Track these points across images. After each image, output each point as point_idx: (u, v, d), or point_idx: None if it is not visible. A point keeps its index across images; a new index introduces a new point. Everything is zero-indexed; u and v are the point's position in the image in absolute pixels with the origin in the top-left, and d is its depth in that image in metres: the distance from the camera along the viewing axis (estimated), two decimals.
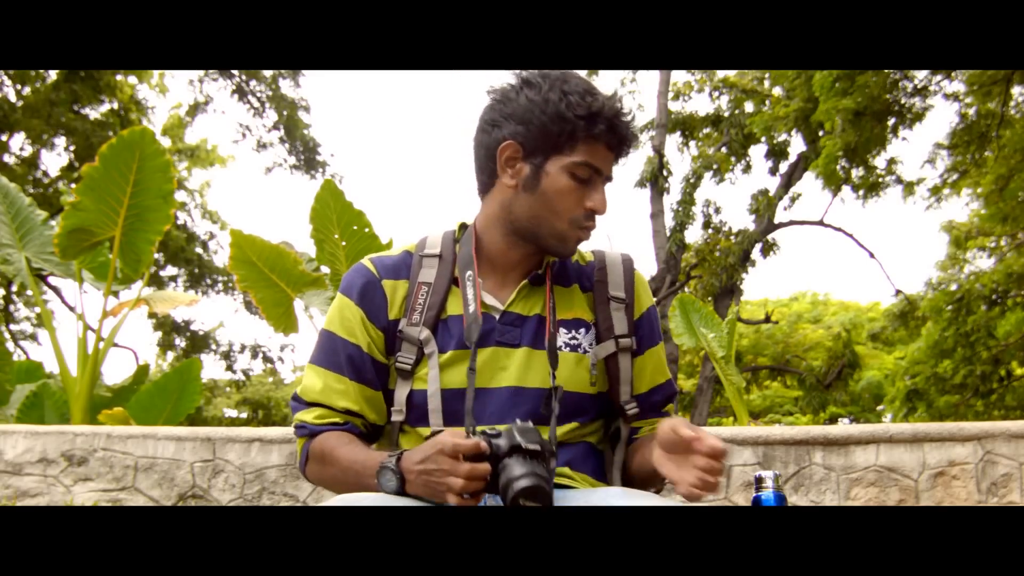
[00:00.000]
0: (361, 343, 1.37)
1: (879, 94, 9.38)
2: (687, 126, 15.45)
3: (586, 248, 1.47)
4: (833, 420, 17.17)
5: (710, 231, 14.28)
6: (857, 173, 11.57)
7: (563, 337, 1.37)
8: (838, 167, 10.22)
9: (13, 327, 15.12)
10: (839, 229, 14.15)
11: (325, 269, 5.76)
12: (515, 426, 1.16)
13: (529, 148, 1.32)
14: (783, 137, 13.97)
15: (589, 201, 1.32)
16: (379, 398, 1.39)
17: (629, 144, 1.35)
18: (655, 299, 1.82)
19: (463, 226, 1.44)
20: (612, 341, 1.39)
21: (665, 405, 1.48)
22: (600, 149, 1.32)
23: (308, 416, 1.38)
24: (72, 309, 11.51)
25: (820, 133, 11.95)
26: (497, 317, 1.37)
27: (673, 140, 15.40)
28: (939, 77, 9.85)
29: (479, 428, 1.20)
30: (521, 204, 1.34)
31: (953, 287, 12.09)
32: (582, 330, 1.39)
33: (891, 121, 10.16)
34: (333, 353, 1.39)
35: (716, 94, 15.51)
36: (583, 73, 1.37)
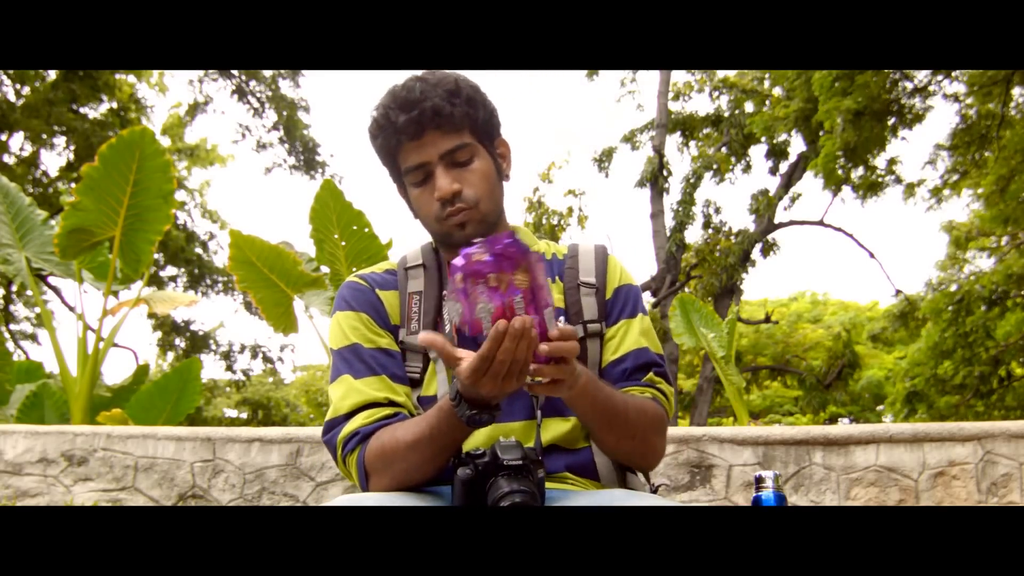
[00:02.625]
0: (382, 344, 1.35)
1: (879, 94, 9.38)
2: (687, 126, 15.46)
3: (563, 243, 1.49)
4: (833, 420, 17.18)
5: (710, 231, 14.29)
6: (857, 173, 11.58)
7: None
8: (838, 167, 10.22)
9: (13, 327, 15.12)
10: (839, 229, 14.17)
11: (325, 269, 5.76)
12: (497, 444, 1.18)
13: (394, 180, 1.42)
14: (783, 137, 13.99)
15: (435, 193, 1.32)
16: (410, 395, 1.35)
17: (428, 118, 1.29)
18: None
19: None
20: (580, 326, 1.37)
21: (644, 373, 1.37)
22: (407, 147, 1.33)
23: (354, 424, 1.28)
24: (72, 309, 11.51)
25: (820, 133, 11.95)
26: None
27: (673, 140, 15.43)
28: (939, 77, 9.86)
29: (464, 449, 1.20)
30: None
31: (953, 288, 12.09)
32: (561, 319, 1.37)
33: (891, 121, 10.17)
34: (356, 361, 1.33)
35: (716, 94, 15.53)
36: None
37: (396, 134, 1.31)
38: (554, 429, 1.33)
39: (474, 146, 1.34)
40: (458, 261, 1.04)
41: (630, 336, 1.38)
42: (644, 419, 1.31)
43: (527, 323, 1.04)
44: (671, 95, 14.63)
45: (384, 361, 1.33)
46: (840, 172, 10.51)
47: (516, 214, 12.28)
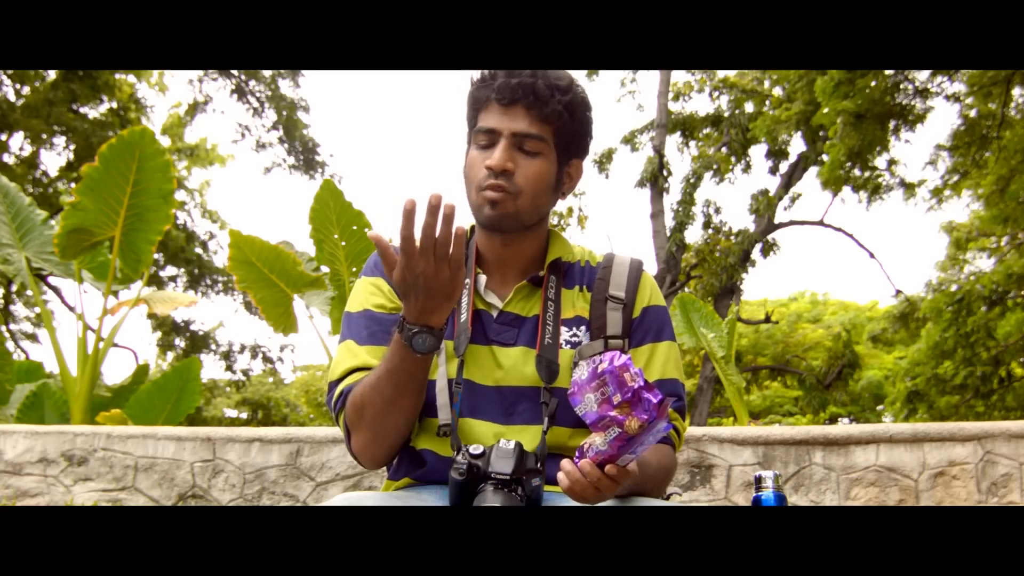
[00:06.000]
0: (387, 307, 1.37)
1: (881, 96, 9.37)
2: (687, 126, 15.44)
3: (600, 252, 1.47)
4: (833, 420, 17.16)
5: (710, 231, 14.28)
6: (859, 175, 11.56)
7: (564, 335, 1.36)
8: (841, 171, 10.22)
9: (13, 327, 15.11)
10: (839, 229, 14.17)
11: (325, 269, 5.76)
12: (496, 448, 1.18)
13: (468, 134, 1.39)
14: (784, 137, 13.98)
15: (487, 161, 1.32)
16: None
17: (525, 91, 1.30)
18: None
19: (475, 228, 1.44)
20: (601, 341, 1.35)
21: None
22: (493, 109, 1.33)
23: (343, 386, 1.32)
24: (72, 309, 11.50)
25: (820, 134, 11.94)
26: (494, 315, 1.36)
27: (673, 140, 15.41)
28: (940, 78, 9.85)
29: (466, 446, 1.21)
30: None
31: (953, 288, 12.08)
32: (582, 327, 1.37)
33: (892, 123, 10.16)
34: (363, 327, 1.35)
35: (716, 94, 15.51)
36: (581, 73, 1.37)
37: (489, 91, 1.32)
38: (561, 438, 1.32)
39: (547, 146, 1.33)
40: (619, 360, 1.09)
41: (655, 364, 1.37)
42: (662, 476, 1.32)
43: (441, 199, 1.10)
44: (671, 95, 14.62)
45: (387, 325, 1.33)
46: (843, 175, 10.51)
47: None
